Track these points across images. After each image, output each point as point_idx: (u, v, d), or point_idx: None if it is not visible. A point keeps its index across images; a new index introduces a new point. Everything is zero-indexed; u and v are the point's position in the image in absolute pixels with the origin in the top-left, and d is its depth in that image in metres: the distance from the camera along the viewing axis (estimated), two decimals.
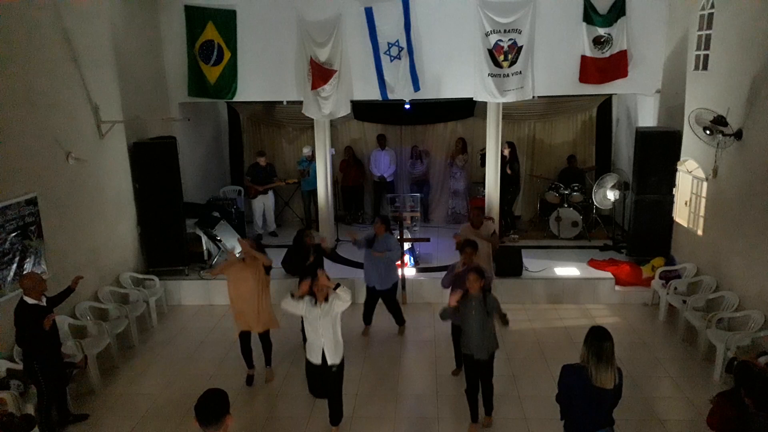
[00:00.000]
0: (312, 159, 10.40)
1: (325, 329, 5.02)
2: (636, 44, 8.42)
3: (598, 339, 3.70)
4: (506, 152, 9.54)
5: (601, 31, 8.32)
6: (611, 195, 9.32)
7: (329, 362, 5.10)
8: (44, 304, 5.26)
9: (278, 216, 10.86)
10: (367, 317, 7.44)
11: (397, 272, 7.38)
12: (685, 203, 8.05)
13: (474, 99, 8.86)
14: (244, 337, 6.27)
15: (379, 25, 8.36)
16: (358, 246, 7.21)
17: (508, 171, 9.53)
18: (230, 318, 7.89)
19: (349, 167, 10.86)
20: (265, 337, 6.33)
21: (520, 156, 10.53)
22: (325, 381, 5.21)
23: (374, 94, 8.72)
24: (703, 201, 7.57)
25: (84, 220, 7.21)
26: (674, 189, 8.21)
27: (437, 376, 6.36)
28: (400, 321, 7.46)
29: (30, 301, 5.15)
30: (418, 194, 10.14)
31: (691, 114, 7.07)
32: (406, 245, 8.48)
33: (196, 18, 8.76)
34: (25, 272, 5.95)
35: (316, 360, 5.13)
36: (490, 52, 8.40)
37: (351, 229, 6.70)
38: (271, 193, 10.34)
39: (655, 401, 5.84)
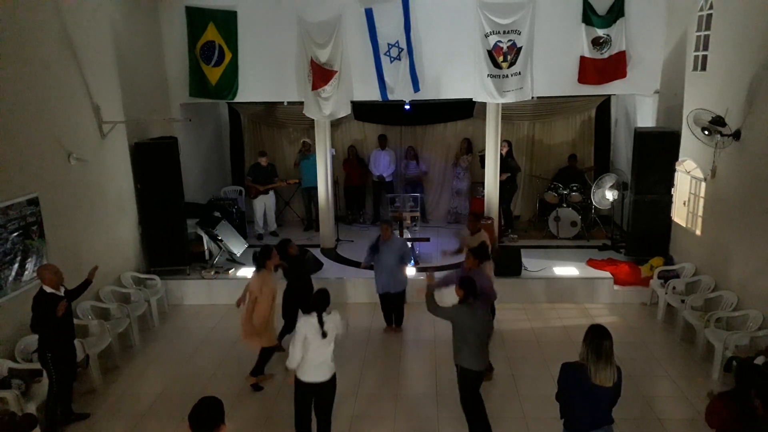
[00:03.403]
0: (303, 151, 10.43)
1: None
2: (635, 45, 8.46)
3: (597, 337, 3.73)
4: (504, 151, 9.58)
5: (600, 32, 8.35)
6: (610, 195, 9.35)
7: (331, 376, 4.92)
8: (62, 294, 5.36)
9: (279, 216, 10.89)
10: (388, 318, 7.49)
11: (406, 275, 7.36)
12: (684, 203, 8.07)
13: (473, 99, 8.90)
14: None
15: (379, 26, 8.39)
16: (367, 260, 7.27)
17: (503, 178, 9.48)
18: (231, 317, 7.95)
19: (352, 167, 10.88)
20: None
21: (519, 156, 10.57)
22: (323, 398, 4.97)
23: (374, 95, 8.75)
24: (702, 201, 7.60)
25: (85, 220, 7.24)
26: (673, 189, 8.24)
27: (437, 376, 6.38)
28: (399, 322, 7.49)
29: (48, 290, 5.27)
30: (418, 194, 10.17)
31: (690, 114, 7.10)
32: (408, 244, 8.50)
33: (196, 19, 8.79)
34: (44, 263, 6.04)
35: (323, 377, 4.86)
36: (490, 53, 8.43)
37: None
38: (272, 193, 10.37)
39: (654, 400, 5.87)
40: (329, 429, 5.05)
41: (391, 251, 7.08)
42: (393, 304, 7.35)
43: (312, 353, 4.75)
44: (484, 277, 5.91)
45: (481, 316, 4.94)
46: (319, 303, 4.81)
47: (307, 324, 4.75)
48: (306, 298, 6.75)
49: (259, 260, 6.12)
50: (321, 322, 4.73)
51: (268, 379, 6.37)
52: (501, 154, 9.51)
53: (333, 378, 4.89)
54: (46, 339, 5.29)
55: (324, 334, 4.73)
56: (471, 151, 10.61)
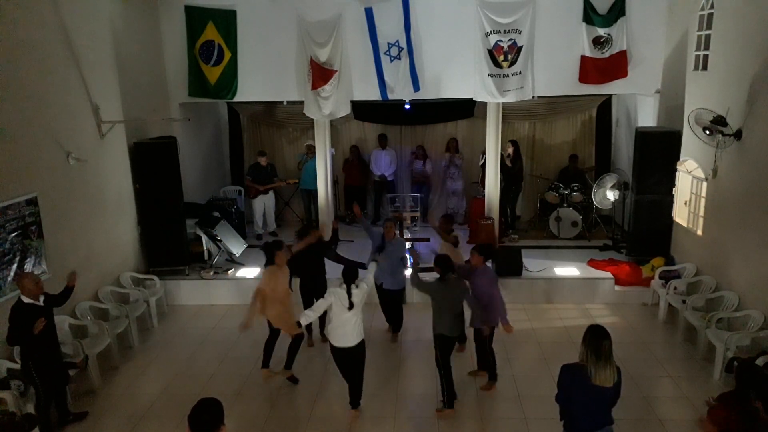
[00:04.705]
0: (307, 153, 10.42)
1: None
2: (636, 44, 8.44)
3: (596, 338, 3.71)
4: (510, 151, 9.56)
5: (601, 31, 8.33)
6: (611, 195, 9.32)
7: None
8: (41, 303, 5.24)
9: (278, 216, 10.87)
10: (389, 318, 7.42)
11: (405, 275, 7.32)
12: (685, 203, 8.05)
13: (474, 99, 8.88)
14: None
15: (379, 25, 8.37)
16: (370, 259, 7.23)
17: (508, 163, 9.48)
18: (230, 318, 7.97)
19: (353, 167, 10.86)
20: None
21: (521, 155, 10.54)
22: (352, 360, 5.62)
23: (374, 95, 8.73)
24: (703, 201, 7.58)
25: (84, 220, 7.22)
26: (674, 189, 8.22)
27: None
28: (397, 327, 7.40)
29: (26, 300, 5.15)
30: (419, 194, 10.14)
31: (691, 114, 7.08)
32: (407, 244, 8.48)
33: (196, 18, 8.77)
34: (23, 272, 5.94)
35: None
36: (490, 52, 8.41)
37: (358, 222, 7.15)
38: (271, 193, 10.35)
39: (655, 401, 5.84)
40: (360, 388, 5.69)
41: (394, 251, 7.03)
42: (391, 303, 7.27)
43: (338, 321, 5.40)
44: (488, 279, 5.89)
45: (456, 291, 5.54)
46: (348, 276, 5.44)
47: (336, 295, 5.38)
48: (319, 287, 6.76)
49: (268, 253, 6.13)
50: (349, 294, 5.34)
51: (277, 376, 6.34)
52: (509, 154, 9.48)
53: (360, 344, 5.52)
54: (26, 350, 5.16)
55: (351, 305, 5.34)
56: (458, 151, 10.58)
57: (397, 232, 8.01)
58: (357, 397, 5.70)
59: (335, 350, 5.54)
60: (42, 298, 5.28)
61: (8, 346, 5.34)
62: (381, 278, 7.16)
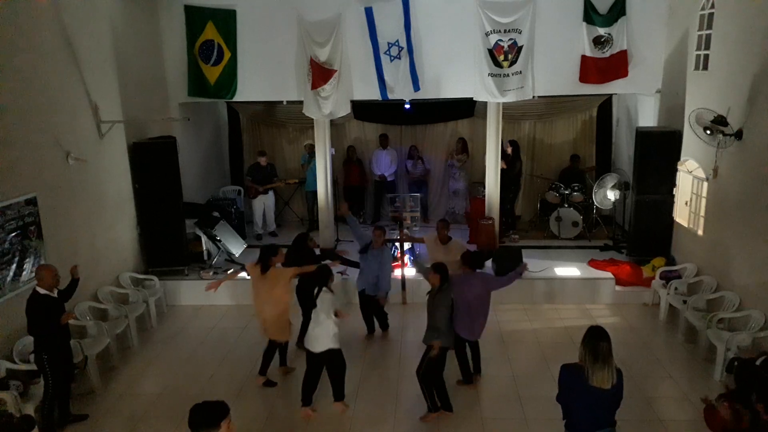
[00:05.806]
0: (309, 154, 10.41)
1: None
2: (636, 44, 8.43)
3: (594, 339, 3.70)
4: (509, 150, 9.54)
5: (602, 30, 8.32)
6: (611, 195, 9.31)
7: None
8: (55, 295, 5.36)
9: (278, 216, 10.86)
10: (369, 323, 7.38)
11: (389, 281, 7.17)
12: (686, 203, 8.04)
13: (474, 99, 8.87)
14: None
15: (379, 25, 8.36)
16: (358, 239, 7.14)
17: (504, 166, 9.31)
18: (230, 318, 7.97)
19: (351, 167, 10.85)
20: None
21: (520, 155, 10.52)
22: (328, 367, 5.65)
23: (374, 94, 8.72)
24: (704, 201, 7.57)
25: (84, 220, 7.21)
26: (674, 189, 8.21)
27: None
28: (384, 326, 7.40)
29: (42, 291, 5.26)
30: (418, 194, 10.12)
31: (692, 114, 7.07)
32: (406, 245, 8.46)
33: (196, 18, 8.76)
34: (44, 263, 6.06)
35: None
36: (490, 52, 8.40)
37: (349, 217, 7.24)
38: (271, 193, 10.34)
39: (656, 401, 5.83)
40: (341, 386, 5.73)
41: (377, 260, 6.91)
42: (372, 306, 7.20)
43: (314, 322, 5.46)
44: (478, 285, 5.84)
45: (451, 299, 5.46)
46: (317, 277, 5.53)
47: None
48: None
49: (264, 259, 6.04)
50: (315, 295, 5.42)
51: (290, 372, 6.45)
52: (508, 155, 9.45)
53: (328, 352, 5.44)
54: (42, 341, 5.25)
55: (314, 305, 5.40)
56: (466, 150, 10.56)
57: (397, 231, 8.00)
58: (338, 391, 5.72)
59: (306, 351, 5.63)
60: (56, 291, 5.39)
61: (29, 335, 5.40)
62: (363, 285, 7.07)
